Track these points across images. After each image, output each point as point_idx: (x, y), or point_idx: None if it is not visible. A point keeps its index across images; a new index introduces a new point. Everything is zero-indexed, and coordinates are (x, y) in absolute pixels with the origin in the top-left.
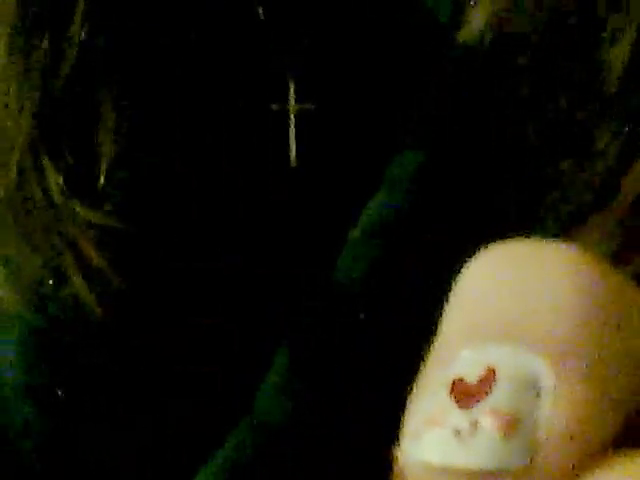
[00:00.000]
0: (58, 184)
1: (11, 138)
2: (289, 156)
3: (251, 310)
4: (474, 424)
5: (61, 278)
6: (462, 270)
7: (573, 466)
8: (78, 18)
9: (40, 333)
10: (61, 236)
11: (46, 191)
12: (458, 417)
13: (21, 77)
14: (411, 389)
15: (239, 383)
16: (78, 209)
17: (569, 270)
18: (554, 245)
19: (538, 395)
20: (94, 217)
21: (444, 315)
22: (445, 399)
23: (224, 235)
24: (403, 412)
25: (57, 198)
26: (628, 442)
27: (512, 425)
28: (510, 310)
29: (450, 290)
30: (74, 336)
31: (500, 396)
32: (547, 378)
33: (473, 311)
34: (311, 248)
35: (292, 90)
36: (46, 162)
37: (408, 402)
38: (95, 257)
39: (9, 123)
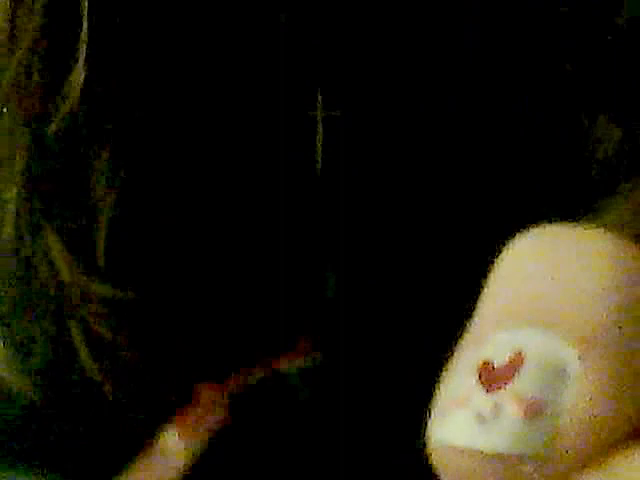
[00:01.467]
0: (62, 253)
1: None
2: (315, 163)
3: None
4: (498, 408)
5: (69, 356)
6: (502, 252)
7: (594, 453)
8: (80, 65)
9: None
10: (69, 312)
11: (51, 264)
12: (482, 400)
13: (13, 129)
14: (445, 368)
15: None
16: (86, 283)
17: (605, 258)
18: (592, 231)
19: (564, 382)
20: (103, 290)
21: (482, 297)
22: (471, 381)
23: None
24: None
25: (64, 273)
26: None
27: (535, 410)
28: (545, 296)
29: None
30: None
31: (526, 381)
32: (575, 365)
33: (509, 295)
34: (336, 253)
35: (319, 96)
36: (45, 226)
37: (440, 381)
38: (104, 331)
39: None
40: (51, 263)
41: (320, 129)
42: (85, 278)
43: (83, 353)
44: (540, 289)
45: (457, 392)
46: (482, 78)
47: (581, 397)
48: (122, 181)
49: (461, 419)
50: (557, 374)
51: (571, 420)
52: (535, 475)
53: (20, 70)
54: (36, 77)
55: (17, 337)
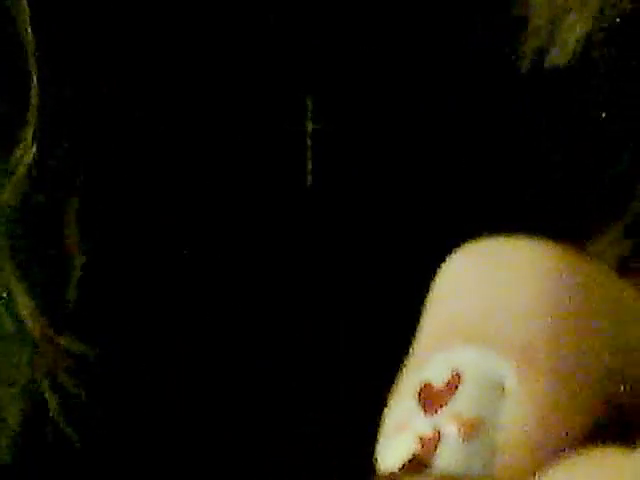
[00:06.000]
0: (30, 308)
1: None
2: (304, 176)
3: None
4: (437, 430)
5: (41, 414)
6: (438, 271)
7: (534, 467)
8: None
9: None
10: (39, 367)
11: (18, 319)
12: (422, 423)
13: None
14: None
15: None
16: (55, 338)
17: (539, 271)
18: (522, 243)
19: (502, 397)
20: (71, 345)
21: (422, 316)
22: (412, 404)
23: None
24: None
25: (31, 327)
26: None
27: (474, 429)
28: (480, 312)
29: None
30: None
31: (463, 400)
32: (512, 380)
33: (445, 313)
34: (327, 267)
35: (309, 109)
36: (14, 281)
37: (386, 405)
38: (71, 386)
39: None
40: (19, 319)
41: (309, 142)
42: (53, 333)
43: (52, 406)
44: (475, 306)
45: (399, 416)
46: (477, 90)
47: (518, 412)
48: (93, 234)
49: (402, 443)
50: (494, 390)
51: (508, 436)
52: None
53: None
54: None
55: None
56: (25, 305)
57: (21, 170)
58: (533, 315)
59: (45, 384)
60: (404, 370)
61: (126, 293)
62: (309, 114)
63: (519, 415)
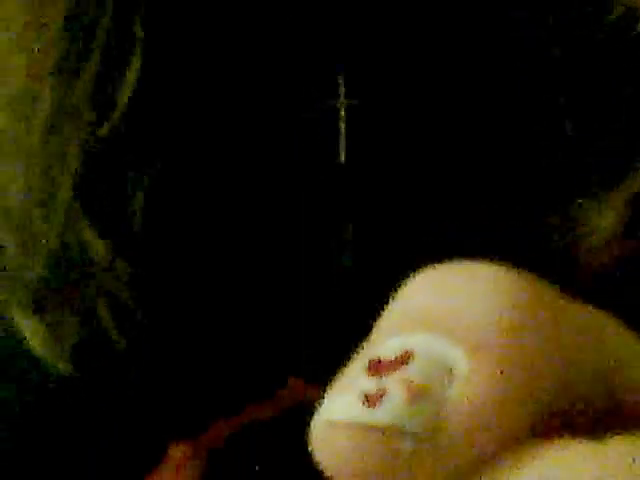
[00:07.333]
0: (95, 237)
1: (54, 192)
2: (338, 152)
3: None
4: (383, 389)
5: (98, 332)
6: (401, 286)
7: (482, 450)
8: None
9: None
10: (98, 288)
11: (83, 246)
12: (367, 382)
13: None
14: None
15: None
16: (117, 264)
17: (492, 283)
18: (481, 265)
19: (451, 379)
20: (131, 270)
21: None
22: (359, 370)
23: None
24: None
25: (96, 253)
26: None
27: (420, 393)
28: (437, 309)
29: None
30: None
31: (413, 370)
32: (461, 364)
33: (402, 307)
34: (359, 247)
35: (342, 86)
36: (82, 217)
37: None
38: (127, 299)
39: (53, 175)
40: (83, 244)
41: (343, 118)
42: (114, 257)
43: (109, 324)
44: (432, 304)
45: (344, 380)
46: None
47: (465, 391)
48: (155, 172)
49: (345, 400)
50: (444, 371)
51: (455, 410)
52: (414, 455)
53: (75, 79)
54: (88, 85)
55: (51, 318)
56: (91, 233)
57: (121, 105)
58: (488, 314)
59: (103, 303)
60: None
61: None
62: (341, 91)
63: (464, 395)
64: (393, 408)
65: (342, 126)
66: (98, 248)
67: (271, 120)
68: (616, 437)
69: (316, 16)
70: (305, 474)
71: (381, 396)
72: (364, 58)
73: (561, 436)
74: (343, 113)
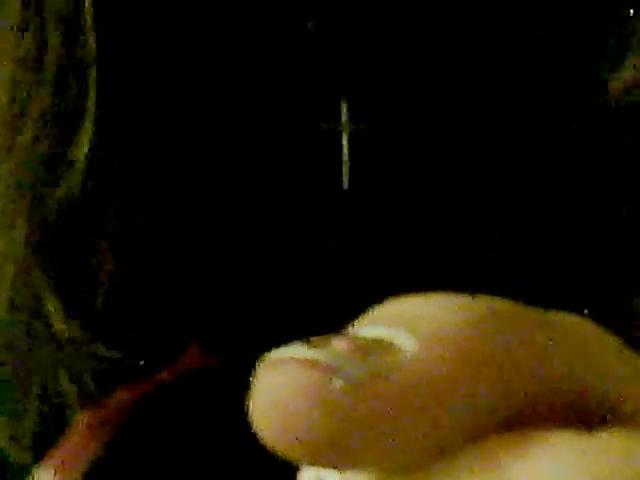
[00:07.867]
0: (58, 311)
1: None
2: (341, 178)
3: None
4: (328, 341)
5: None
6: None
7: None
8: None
9: None
10: (66, 371)
11: (46, 320)
12: (314, 338)
13: (16, 195)
14: None
15: None
16: (84, 342)
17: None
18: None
19: (399, 358)
20: (99, 350)
21: None
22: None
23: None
24: None
25: (58, 327)
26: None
27: (362, 349)
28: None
29: None
30: None
31: (363, 333)
32: (413, 347)
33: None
34: (362, 271)
35: (345, 110)
36: (42, 284)
37: None
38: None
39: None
40: (48, 322)
41: (346, 143)
42: (81, 336)
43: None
44: (399, 309)
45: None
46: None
47: (409, 367)
48: (125, 244)
49: (287, 346)
50: (393, 348)
51: (397, 371)
52: (346, 396)
53: (28, 139)
54: (43, 146)
55: (10, 404)
56: (55, 308)
57: (78, 165)
58: (450, 312)
59: (65, 378)
60: None
61: (153, 298)
62: (344, 116)
63: (409, 369)
64: (334, 352)
65: (345, 152)
66: (59, 319)
67: (271, 146)
68: (610, 430)
69: (319, 41)
70: (205, 435)
71: (326, 344)
72: (366, 82)
73: (547, 427)
74: (346, 139)
